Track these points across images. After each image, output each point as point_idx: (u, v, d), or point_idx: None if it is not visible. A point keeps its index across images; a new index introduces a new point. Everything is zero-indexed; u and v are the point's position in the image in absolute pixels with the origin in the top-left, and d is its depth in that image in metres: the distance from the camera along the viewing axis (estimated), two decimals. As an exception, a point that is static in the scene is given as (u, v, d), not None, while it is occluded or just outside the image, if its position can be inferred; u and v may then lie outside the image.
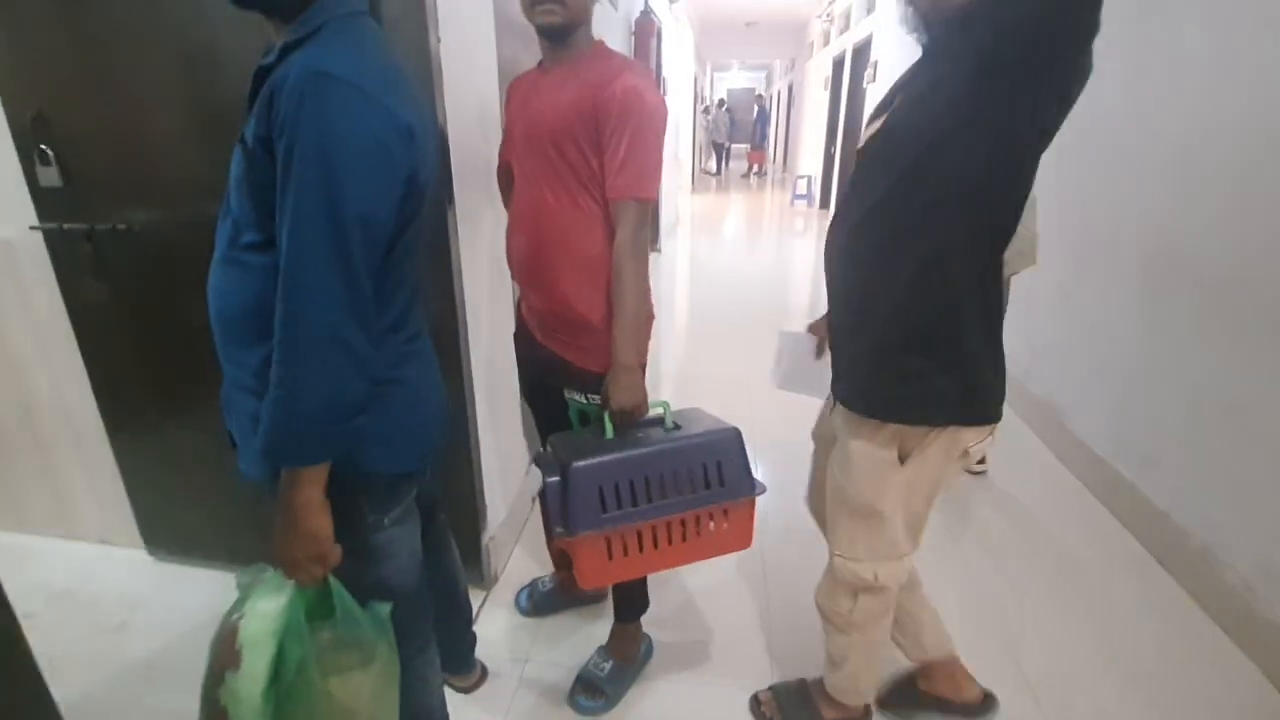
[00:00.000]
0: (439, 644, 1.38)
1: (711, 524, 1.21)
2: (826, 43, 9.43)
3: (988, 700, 1.42)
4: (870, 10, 6.90)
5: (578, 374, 1.33)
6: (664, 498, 1.16)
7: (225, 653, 0.79)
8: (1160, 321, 2.06)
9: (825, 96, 9.23)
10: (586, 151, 1.20)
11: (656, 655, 1.61)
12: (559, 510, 1.13)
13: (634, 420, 1.24)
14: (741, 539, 1.25)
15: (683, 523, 1.18)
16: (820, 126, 9.44)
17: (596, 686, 1.50)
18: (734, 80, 21.28)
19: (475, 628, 1.52)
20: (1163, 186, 2.08)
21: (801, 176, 10.12)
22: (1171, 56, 2.07)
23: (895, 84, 1.08)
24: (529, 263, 1.31)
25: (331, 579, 0.84)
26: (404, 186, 0.83)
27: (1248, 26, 1.76)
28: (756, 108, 15.63)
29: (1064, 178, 2.66)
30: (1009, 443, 2.73)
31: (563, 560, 1.76)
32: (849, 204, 1.08)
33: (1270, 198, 1.67)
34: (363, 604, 0.86)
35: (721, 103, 15.50)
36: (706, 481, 1.18)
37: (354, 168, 0.76)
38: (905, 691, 1.46)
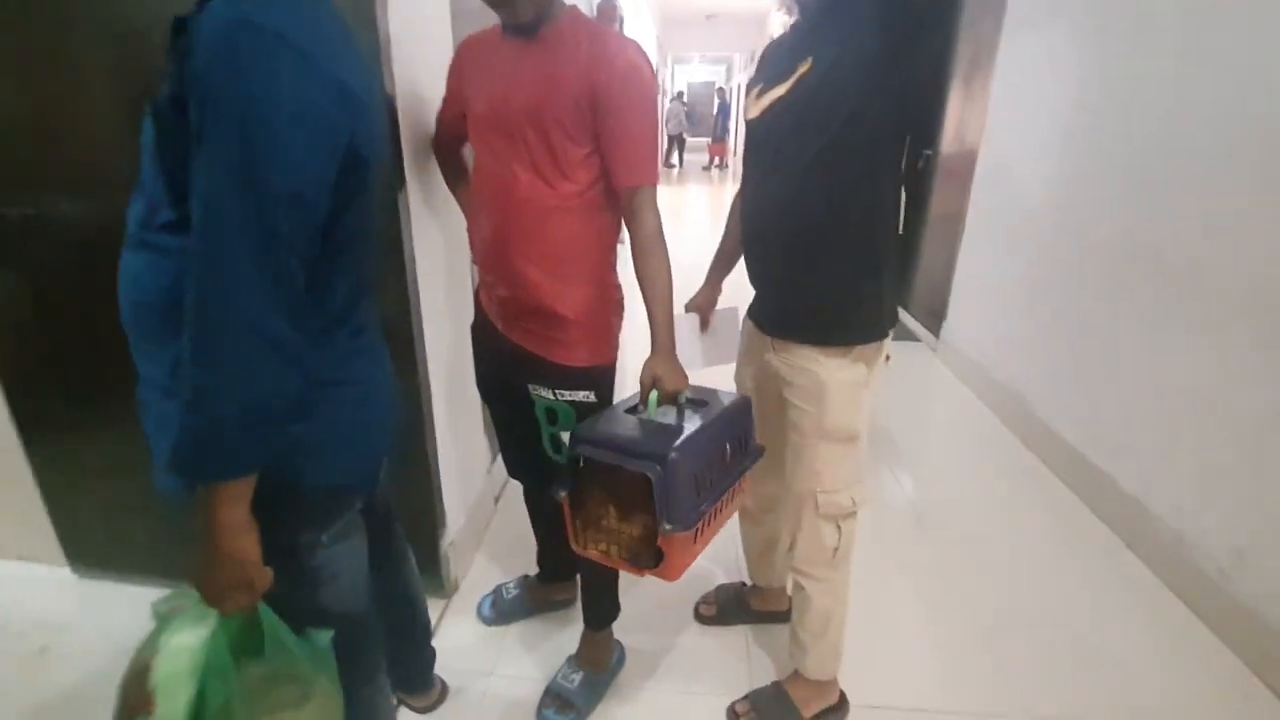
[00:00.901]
0: (395, 664, 1.27)
1: (741, 491, 1.25)
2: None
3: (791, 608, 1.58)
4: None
5: (545, 368, 1.23)
6: (725, 470, 1.18)
7: (135, 695, 0.68)
8: (1129, 309, 2.07)
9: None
10: (573, 135, 1.11)
11: (629, 663, 1.54)
12: (663, 505, 1.03)
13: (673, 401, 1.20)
14: (744, 498, 1.32)
15: (732, 494, 1.21)
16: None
17: (566, 699, 1.41)
18: (695, 73, 21.28)
19: (434, 641, 1.42)
20: (1130, 176, 2.09)
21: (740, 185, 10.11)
22: (1140, 47, 2.07)
23: (780, 52, 1.21)
24: (494, 247, 1.21)
25: (262, 607, 0.74)
26: (342, 159, 0.72)
27: (1218, 17, 1.76)
28: (718, 100, 15.62)
29: (1034, 169, 2.67)
30: (975, 430, 2.74)
31: (548, 565, 1.68)
32: (777, 161, 1.16)
33: (1236, 187, 1.68)
34: (300, 633, 0.75)
35: (680, 95, 15.46)
36: (743, 449, 1.24)
37: (281, 133, 0.65)
38: (737, 610, 1.67)
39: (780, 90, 1.15)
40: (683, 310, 1.51)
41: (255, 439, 0.67)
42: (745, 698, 1.44)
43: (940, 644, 1.60)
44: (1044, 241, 2.58)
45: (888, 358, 1.24)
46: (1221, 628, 1.65)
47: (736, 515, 1.48)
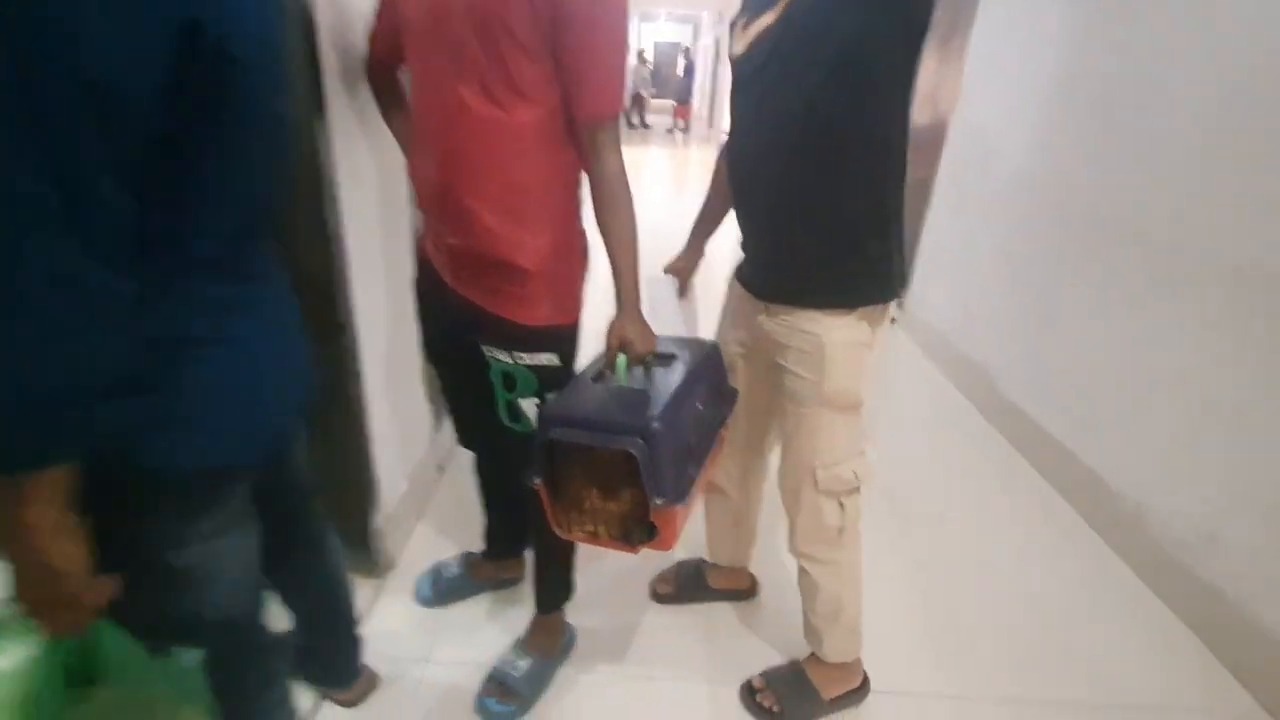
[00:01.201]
0: (312, 657, 1.13)
1: (723, 441, 1.20)
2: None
3: (755, 583, 1.60)
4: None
5: (501, 328, 1.08)
6: (707, 426, 1.13)
7: (-64, 733, 0.52)
8: (1104, 283, 2.01)
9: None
10: (528, 49, 0.93)
11: (580, 645, 1.43)
12: (651, 480, 0.96)
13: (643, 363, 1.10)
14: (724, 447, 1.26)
15: (717, 447, 1.16)
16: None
17: (509, 688, 1.30)
18: (661, 32, 20.70)
19: (366, 626, 1.28)
20: (1111, 148, 2.01)
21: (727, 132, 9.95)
22: (1126, 13, 1.98)
23: None
24: (440, 187, 1.03)
25: (104, 624, 0.58)
26: (185, 50, 0.53)
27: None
28: (684, 60, 15.24)
29: (1011, 138, 2.58)
30: (937, 403, 2.70)
31: (496, 542, 1.54)
32: (768, 100, 1.05)
33: (1220, 162, 1.61)
34: (162, 651, 0.60)
35: (640, 54, 15.03)
36: (719, 397, 1.18)
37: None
38: (696, 588, 1.58)
39: (768, 19, 1.02)
40: (661, 273, 1.40)
41: (65, 418, 0.51)
42: (762, 675, 1.36)
43: (904, 625, 1.55)
44: (1018, 212, 2.51)
45: (893, 319, 1.14)
46: (1181, 607, 1.64)
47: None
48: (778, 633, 1.49)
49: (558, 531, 1.09)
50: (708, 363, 1.18)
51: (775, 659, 1.42)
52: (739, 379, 1.29)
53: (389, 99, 1.22)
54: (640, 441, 0.94)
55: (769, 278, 1.17)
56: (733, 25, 1.14)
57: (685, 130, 14.18)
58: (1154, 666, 1.49)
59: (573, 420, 0.99)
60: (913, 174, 1.06)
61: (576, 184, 1.08)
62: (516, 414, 1.13)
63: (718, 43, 12.12)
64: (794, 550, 1.25)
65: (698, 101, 14.92)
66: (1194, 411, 1.66)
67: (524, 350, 1.08)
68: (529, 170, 1.00)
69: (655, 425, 0.94)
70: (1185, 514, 1.66)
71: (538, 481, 1.03)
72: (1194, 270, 1.67)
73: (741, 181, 1.16)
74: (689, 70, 14.81)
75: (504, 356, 1.09)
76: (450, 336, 1.20)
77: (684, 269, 1.40)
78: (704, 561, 1.60)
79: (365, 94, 1.24)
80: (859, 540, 1.24)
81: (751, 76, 1.07)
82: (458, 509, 1.76)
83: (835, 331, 1.09)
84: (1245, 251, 1.53)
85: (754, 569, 1.59)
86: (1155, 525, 1.74)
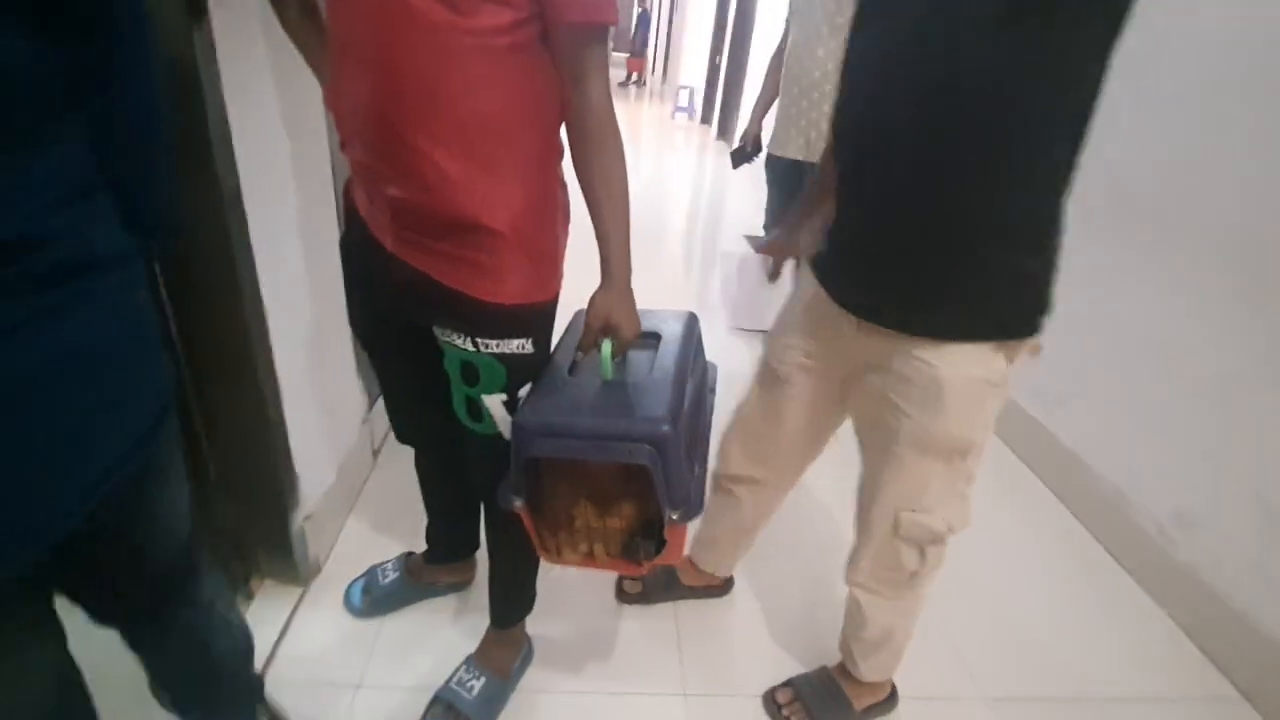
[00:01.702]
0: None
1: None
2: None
3: (729, 579, 1.46)
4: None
5: (461, 306, 0.85)
6: (706, 416, 1.04)
7: None
8: (1089, 255, 1.90)
9: (713, 5, 8.68)
10: None
11: (538, 656, 1.26)
12: (665, 491, 0.83)
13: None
14: None
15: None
16: (705, 35, 8.94)
17: (460, 713, 1.12)
18: (612, -20, 19.91)
19: (284, 645, 1.07)
20: (1106, 123, 1.89)
21: (683, 87, 9.63)
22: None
23: None
24: (376, 118, 0.78)
25: None
26: None
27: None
28: (638, 10, 14.67)
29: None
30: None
31: (440, 545, 1.34)
32: (896, 75, 0.80)
33: (1208, 128, 1.51)
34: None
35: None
36: (704, 376, 1.07)
37: None
38: (667, 586, 1.42)
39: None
40: (748, 249, 1.20)
41: None
42: (787, 684, 1.23)
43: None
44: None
45: (1038, 350, 0.90)
46: (1159, 591, 1.59)
47: None
48: (759, 636, 1.36)
49: (545, 558, 0.93)
50: (692, 340, 1.01)
51: (760, 666, 1.29)
52: (792, 394, 1.07)
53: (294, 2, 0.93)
54: (650, 449, 0.78)
55: (876, 291, 0.91)
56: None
57: (639, 84, 13.77)
58: (1131, 654, 1.43)
59: (559, 429, 0.82)
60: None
61: (557, 115, 0.84)
62: (478, 413, 0.92)
63: (673, -7, 11.64)
64: (852, 581, 1.10)
65: (652, 54, 14.46)
66: (1179, 392, 1.59)
67: (490, 335, 0.87)
68: (496, 97, 0.77)
69: (666, 429, 0.79)
70: (1164, 497, 1.60)
71: (518, 504, 0.86)
72: (1180, 243, 1.59)
73: (854, 164, 0.91)
74: (643, 21, 14.25)
75: (464, 343, 0.87)
76: (389, 315, 0.97)
77: (784, 249, 1.17)
78: None
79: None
80: (931, 582, 1.08)
81: (880, 32, 0.83)
82: (396, 499, 1.54)
83: (960, 365, 0.86)
84: (1244, 223, 1.44)
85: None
86: (1131, 506, 1.68)
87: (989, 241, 0.82)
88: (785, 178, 2.32)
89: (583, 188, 0.85)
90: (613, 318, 0.87)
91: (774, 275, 1.21)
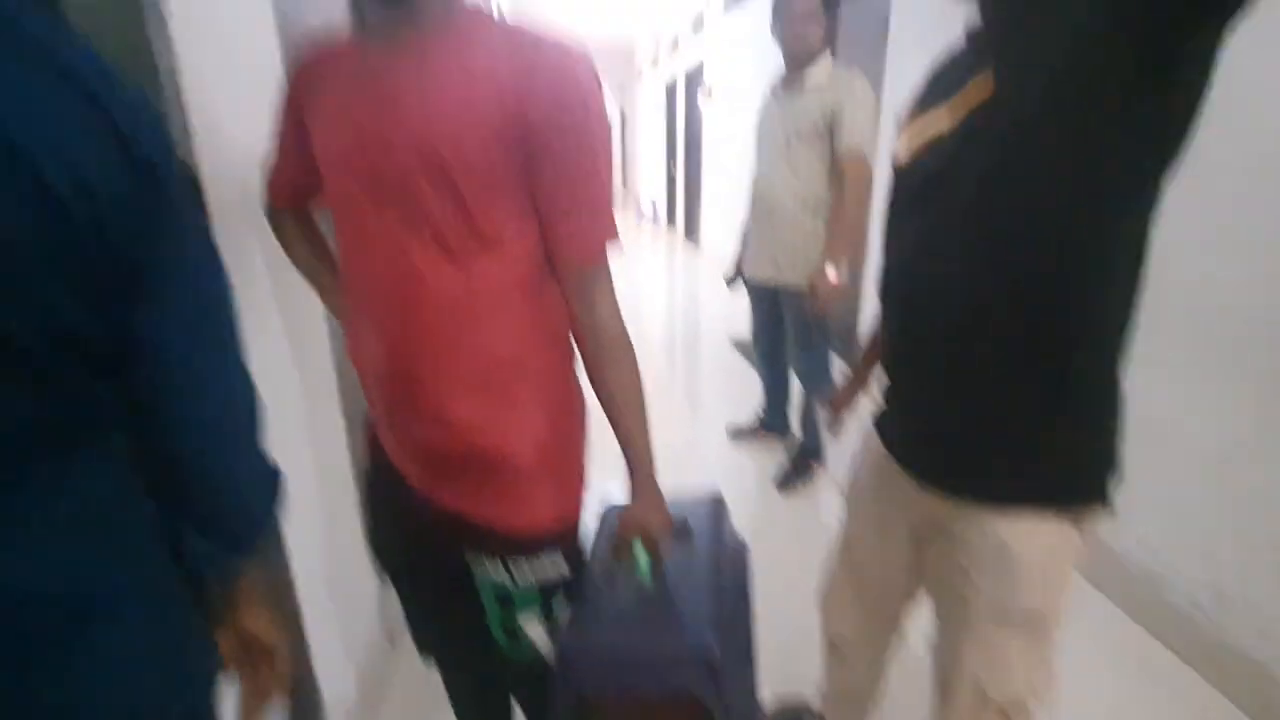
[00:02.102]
0: None
1: None
2: (656, 64, 9.47)
3: None
4: (698, 29, 6.92)
5: (493, 536, 0.83)
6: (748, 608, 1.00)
7: None
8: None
9: (662, 119, 9.28)
10: (498, 185, 0.73)
11: None
12: (722, 714, 0.80)
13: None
14: None
15: None
16: (659, 144, 9.53)
17: None
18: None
19: None
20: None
21: (646, 199, 10.18)
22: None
23: (948, 69, 0.83)
24: (395, 372, 0.79)
25: None
26: None
27: None
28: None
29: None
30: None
31: None
32: (941, 233, 0.77)
33: (1200, 204, 1.58)
34: None
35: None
36: (736, 560, 1.02)
37: None
38: None
39: (945, 117, 0.76)
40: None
41: None
42: None
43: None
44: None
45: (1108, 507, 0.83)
46: (1207, 669, 1.53)
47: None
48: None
49: None
50: (720, 525, 0.98)
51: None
52: (860, 546, 1.03)
53: (305, 244, 0.97)
54: (701, 673, 0.75)
55: (932, 453, 0.87)
56: (901, 122, 0.89)
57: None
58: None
59: (601, 661, 0.78)
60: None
61: (566, 336, 0.86)
62: (515, 635, 0.88)
63: (623, 111, 12.41)
64: None
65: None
66: (1187, 465, 1.59)
67: (523, 557, 0.85)
68: (509, 336, 0.78)
69: (715, 650, 0.76)
70: (1192, 570, 1.58)
71: None
72: (1170, 323, 1.62)
73: (901, 324, 0.88)
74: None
75: (496, 570, 0.85)
76: (417, 545, 0.94)
77: (846, 399, 1.17)
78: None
79: (259, 229, 1.01)
80: None
81: (921, 189, 0.81)
82: (423, 684, 1.44)
83: (1030, 536, 0.80)
84: (1227, 303, 1.48)
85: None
86: (1164, 584, 1.65)
87: (1051, 399, 0.76)
88: (761, 299, 2.36)
89: (599, 397, 0.86)
90: (645, 524, 0.85)
91: (835, 427, 1.20)
